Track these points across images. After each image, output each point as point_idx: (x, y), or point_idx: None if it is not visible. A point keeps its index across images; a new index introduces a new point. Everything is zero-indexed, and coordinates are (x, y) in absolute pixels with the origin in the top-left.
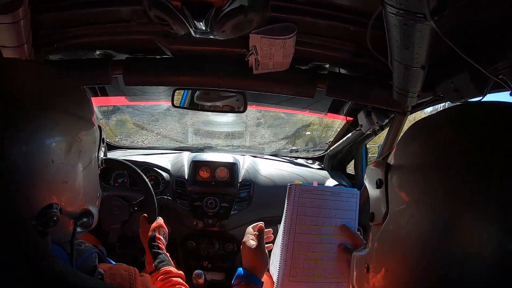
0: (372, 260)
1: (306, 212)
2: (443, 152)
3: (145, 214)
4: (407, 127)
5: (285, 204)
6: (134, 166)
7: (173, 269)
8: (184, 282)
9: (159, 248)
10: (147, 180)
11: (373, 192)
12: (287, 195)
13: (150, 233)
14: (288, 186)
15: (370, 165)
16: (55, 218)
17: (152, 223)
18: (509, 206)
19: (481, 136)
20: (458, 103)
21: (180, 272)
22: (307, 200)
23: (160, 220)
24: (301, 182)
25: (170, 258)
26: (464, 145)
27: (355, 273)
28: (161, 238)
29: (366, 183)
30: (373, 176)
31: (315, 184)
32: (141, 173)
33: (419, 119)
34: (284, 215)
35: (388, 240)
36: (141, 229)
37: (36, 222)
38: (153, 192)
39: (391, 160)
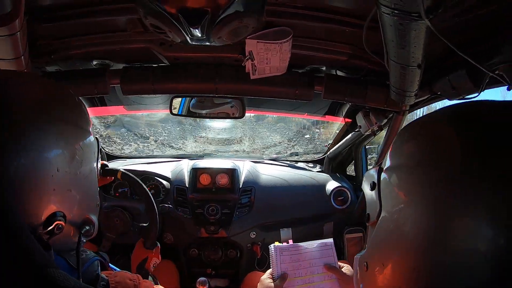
0: (370, 257)
1: (288, 268)
2: (440, 152)
3: (143, 239)
4: (402, 128)
5: (270, 263)
6: (146, 189)
7: None
8: None
9: (146, 273)
10: (155, 207)
11: (368, 194)
12: (270, 255)
13: (143, 258)
14: (269, 247)
15: (369, 170)
16: (60, 226)
17: (148, 249)
18: (506, 204)
19: (477, 135)
20: (454, 102)
21: None
22: (287, 257)
23: (157, 249)
24: (279, 243)
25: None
26: (461, 145)
27: (357, 273)
28: (151, 267)
29: (364, 187)
30: (368, 179)
31: (290, 242)
32: (152, 199)
33: (413, 120)
34: (272, 271)
35: (383, 235)
36: (136, 251)
37: (42, 231)
38: (157, 222)
39: (385, 161)
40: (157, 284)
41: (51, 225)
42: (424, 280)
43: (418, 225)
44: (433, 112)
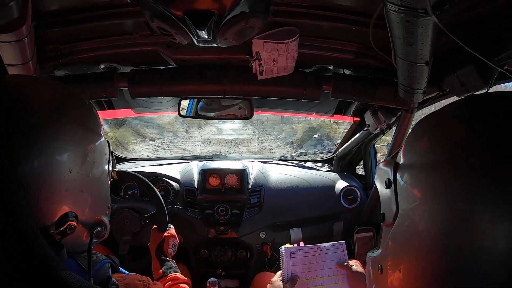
0: (385, 260)
1: (298, 270)
2: (456, 148)
3: (156, 226)
4: (415, 124)
5: (281, 265)
6: (144, 178)
7: (180, 275)
8: None
9: (166, 255)
10: (157, 191)
11: (383, 191)
12: (280, 257)
13: (159, 241)
14: (280, 249)
15: (379, 164)
16: (72, 226)
17: (163, 232)
18: None
19: (495, 131)
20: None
21: (187, 279)
22: (298, 259)
23: (171, 230)
24: (291, 245)
25: (176, 265)
26: (478, 140)
27: (369, 273)
28: (170, 247)
29: (377, 183)
30: (382, 175)
31: (301, 244)
32: (152, 185)
33: (427, 114)
34: (282, 273)
35: (401, 239)
36: (152, 238)
37: (55, 231)
38: (163, 204)
39: (400, 158)
40: (177, 269)
41: (63, 226)
42: (443, 280)
43: (435, 225)
44: (445, 106)
